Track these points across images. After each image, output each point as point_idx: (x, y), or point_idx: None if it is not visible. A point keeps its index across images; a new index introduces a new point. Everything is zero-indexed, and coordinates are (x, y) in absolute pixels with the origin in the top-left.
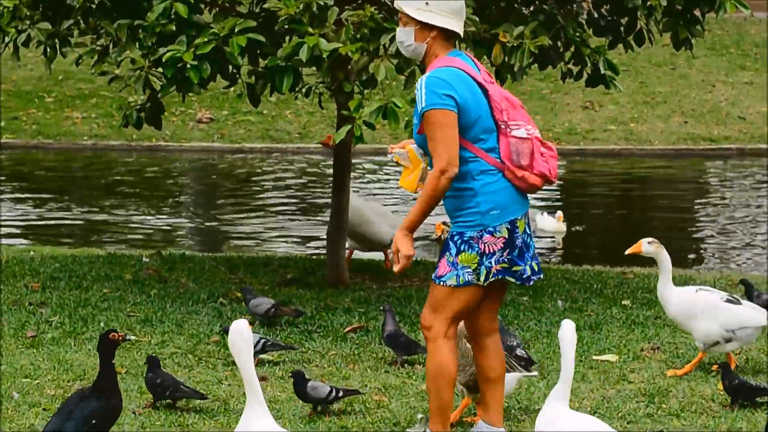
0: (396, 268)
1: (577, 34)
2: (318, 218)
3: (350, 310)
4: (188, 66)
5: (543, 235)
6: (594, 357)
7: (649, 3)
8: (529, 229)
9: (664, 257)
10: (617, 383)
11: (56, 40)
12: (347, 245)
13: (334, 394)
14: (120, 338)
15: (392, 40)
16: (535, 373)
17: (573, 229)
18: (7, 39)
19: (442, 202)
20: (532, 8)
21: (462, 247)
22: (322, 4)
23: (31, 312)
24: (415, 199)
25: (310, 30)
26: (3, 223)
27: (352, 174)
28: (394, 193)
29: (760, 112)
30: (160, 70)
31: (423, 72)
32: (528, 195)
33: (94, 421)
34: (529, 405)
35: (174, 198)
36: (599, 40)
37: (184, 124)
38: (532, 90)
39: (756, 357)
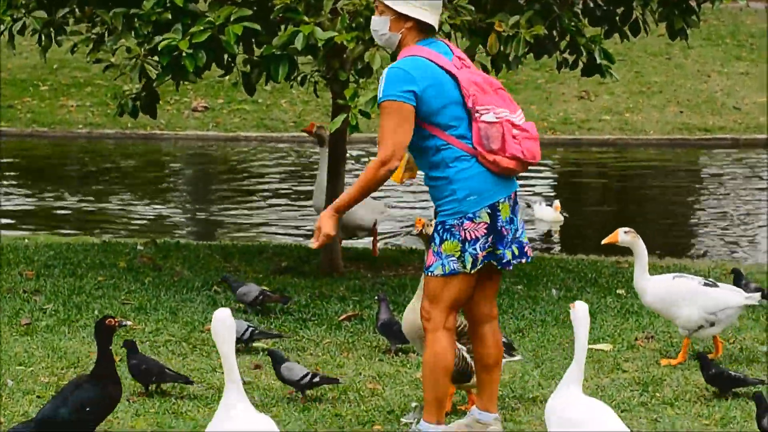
0: (314, 245)
1: (573, 23)
2: (313, 207)
3: (344, 298)
4: (184, 54)
5: (540, 225)
6: (588, 346)
7: None
8: (514, 214)
9: (640, 247)
10: (611, 372)
11: (51, 29)
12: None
13: (308, 378)
14: (116, 324)
15: None
16: (518, 356)
17: (565, 215)
18: (2, 27)
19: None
20: None
21: (444, 236)
22: None
23: (26, 300)
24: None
25: (306, 19)
26: None
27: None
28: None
29: (755, 103)
30: (156, 58)
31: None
32: (513, 178)
33: (88, 408)
34: (523, 393)
35: (168, 186)
36: (595, 30)
37: (179, 112)
38: (528, 79)
39: (750, 346)
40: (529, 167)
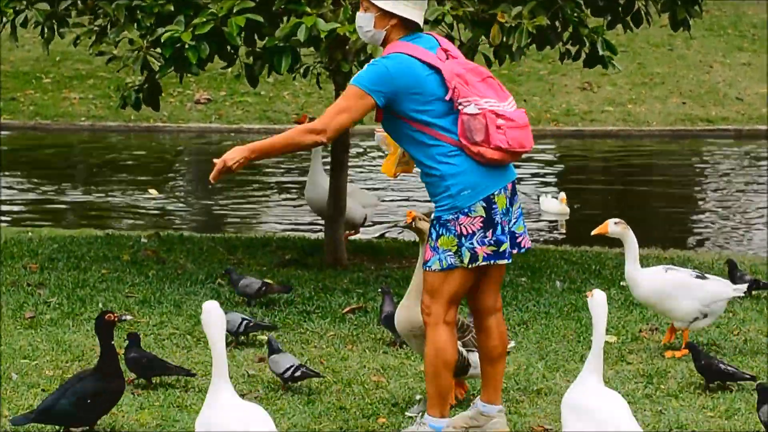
0: (212, 175)
1: (576, 14)
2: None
3: (348, 290)
4: (186, 46)
5: (546, 218)
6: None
7: None
8: (511, 204)
9: (631, 238)
10: (616, 364)
11: (54, 21)
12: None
13: (290, 372)
14: (116, 319)
15: None
16: (512, 343)
17: (575, 206)
18: (5, 19)
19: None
20: None
21: (441, 231)
22: None
23: (30, 293)
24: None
25: (308, 10)
26: (1, 204)
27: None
28: (379, 175)
29: (757, 93)
30: (159, 50)
31: None
32: (508, 168)
33: (89, 401)
34: (527, 385)
35: (172, 179)
36: (597, 21)
37: (182, 105)
38: (530, 71)
39: (755, 338)
40: (523, 155)
